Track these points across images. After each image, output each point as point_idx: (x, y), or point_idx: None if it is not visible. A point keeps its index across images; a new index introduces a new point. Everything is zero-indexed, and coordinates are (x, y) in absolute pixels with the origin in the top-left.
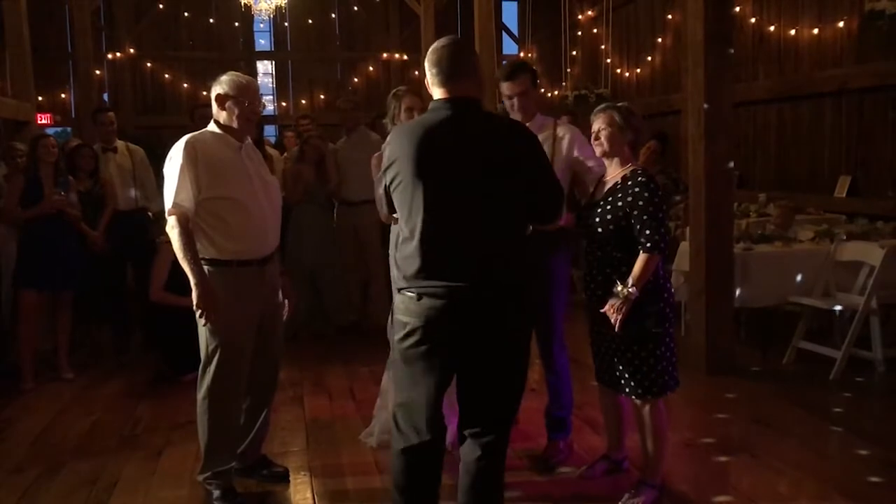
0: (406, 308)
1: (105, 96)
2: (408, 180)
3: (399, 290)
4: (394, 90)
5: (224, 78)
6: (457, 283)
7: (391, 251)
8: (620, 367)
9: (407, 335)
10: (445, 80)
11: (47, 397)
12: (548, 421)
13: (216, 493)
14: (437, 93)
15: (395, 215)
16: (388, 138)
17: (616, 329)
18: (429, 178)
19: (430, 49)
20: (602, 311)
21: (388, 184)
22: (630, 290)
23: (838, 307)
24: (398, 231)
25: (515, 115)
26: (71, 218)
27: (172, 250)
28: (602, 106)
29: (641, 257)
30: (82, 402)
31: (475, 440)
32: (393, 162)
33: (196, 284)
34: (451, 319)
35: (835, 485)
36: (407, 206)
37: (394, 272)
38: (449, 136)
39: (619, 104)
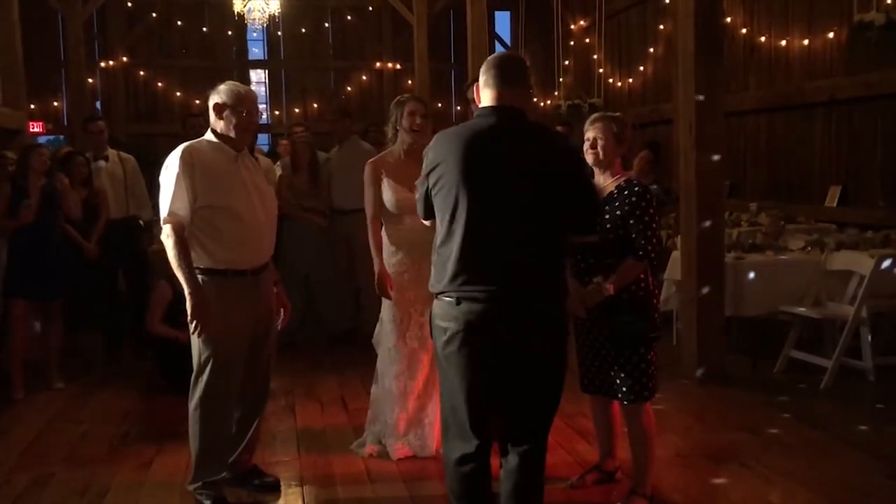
0: (445, 312)
1: (98, 104)
2: (451, 185)
3: (437, 294)
4: (396, 98)
5: (222, 87)
6: (495, 288)
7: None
8: (611, 374)
9: (448, 340)
10: (498, 85)
11: (37, 407)
12: None
13: (207, 503)
14: (486, 98)
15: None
16: (431, 142)
17: (583, 314)
18: (473, 183)
19: (490, 58)
20: (577, 311)
21: (430, 187)
22: (607, 286)
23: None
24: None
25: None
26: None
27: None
28: (598, 115)
29: (630, 262)
30: (72, 411)
31: (514, 448)
32: (437, 165)
33: (190, 294)
34: (489, 324)
35: (826, 494)
36: (449, 210)
37: (431, 276)
38: (495, 144)
39: (615, 115)
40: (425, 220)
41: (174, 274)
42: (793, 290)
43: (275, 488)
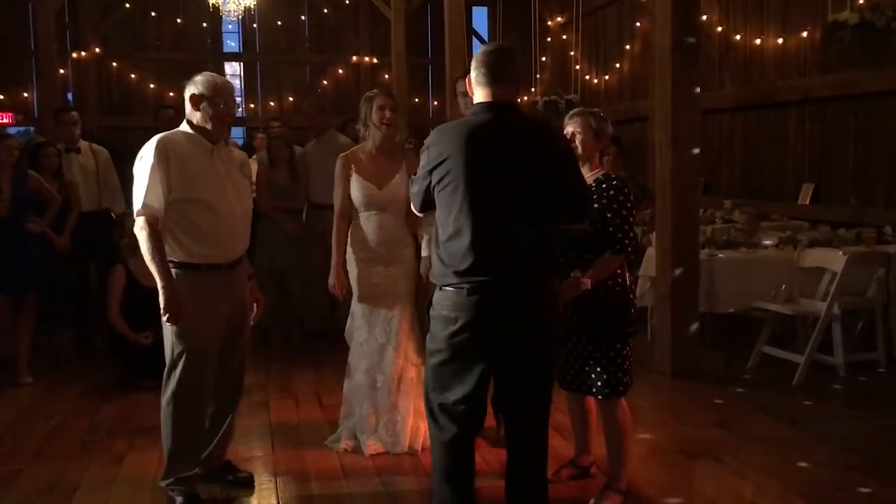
0: (453, 303)
1: (69, 96)
2: (458, 181)
3: (444, 286)
4: (365, 94)
5: (199, 78)
6: (505, 278)
7: (433, 248)
8: (587, 369)
9: (458, 329)
10: (491, 81)
11: (5, 402)
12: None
13: (179, 499)
14: (480, 94)
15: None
16: (430, 138)
17: (560, 308)
18: (479, 179)
19: (479, 51)
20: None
21: (433, 182)
22: (584, 280)
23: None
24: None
25: (468, 113)
26: (48, 197)
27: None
28: (577, 110)
29: (608, 257)
30: (42, 406)
31: (519, 432)
32: (441, 162)
33: (163, 288)
34: (501, 313)
35: (797, 488)
36: (457, 204)
37: (435, 269)
38: (495, 139)
39: (593, 110)
40: (420, 212)
41: (128, 259)
42: (766, 287)
43: (248, 484)
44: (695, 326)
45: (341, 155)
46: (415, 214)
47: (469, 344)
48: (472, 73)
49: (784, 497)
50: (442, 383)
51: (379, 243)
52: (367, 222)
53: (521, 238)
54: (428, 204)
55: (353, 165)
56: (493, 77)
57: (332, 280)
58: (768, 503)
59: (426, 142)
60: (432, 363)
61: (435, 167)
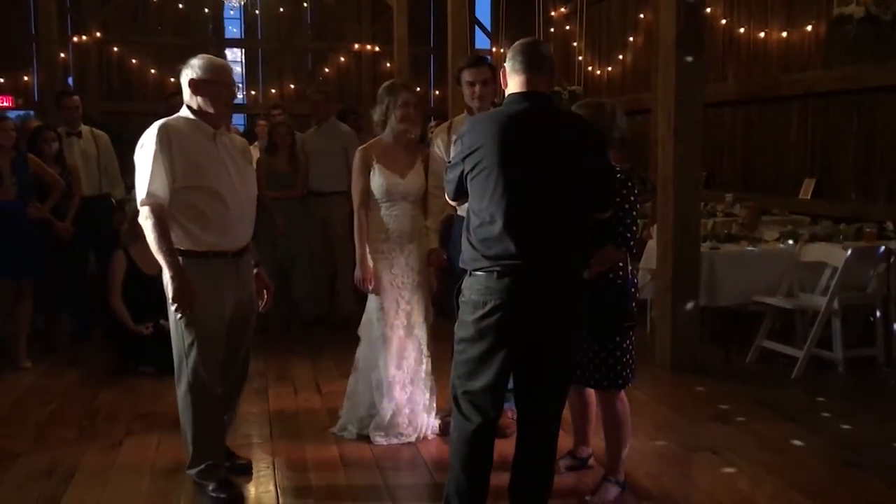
0: (485, 286)
1: (70, 80)
2: (491, 168)
3: (475, 270)
4: (386, 83)
5: (196, 62)
6: (536, 262)
7: (464, 235)
8: (586, 360)
9: (487, 312)
10: (525, 69)
11: (3, 386)
12: None
13: (211, 485)
14: (514, 83)
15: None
16: (464, 128)
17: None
18: (512, 166)
19: (515, 44)
20: None
21: (466, 170)
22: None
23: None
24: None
25: (474, 103)
26: (51, 182)
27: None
28: (586, 101)
29: (609, 249)
30: (40, 391)
31: (533, 424)
32: (475, 150)
33: (172, 277)
34: (530, 297)
35: (794, 482)
36: (489, 191)
37: (465, 255)
38: (529, 128)
39: (606, 101)
40: (454, 201)
41: (129, 246)
42: (766, 281)
43: (246, 471)
44: (694, 320)
45: (360, 148)
46: (427, 204)
47: (497, 327)
48: (507, 64)
49: (781, 491)
50: (468, 369)
51: (401, 234)
52: (388, 213)
53: (552, 225)
54: (461, 192)
55: (373, 156)
56: (528, 66)
57: (358, 273)
58: (765, 497)
59: (460, 131)
60: (460, 349)
61: (468, 155)
